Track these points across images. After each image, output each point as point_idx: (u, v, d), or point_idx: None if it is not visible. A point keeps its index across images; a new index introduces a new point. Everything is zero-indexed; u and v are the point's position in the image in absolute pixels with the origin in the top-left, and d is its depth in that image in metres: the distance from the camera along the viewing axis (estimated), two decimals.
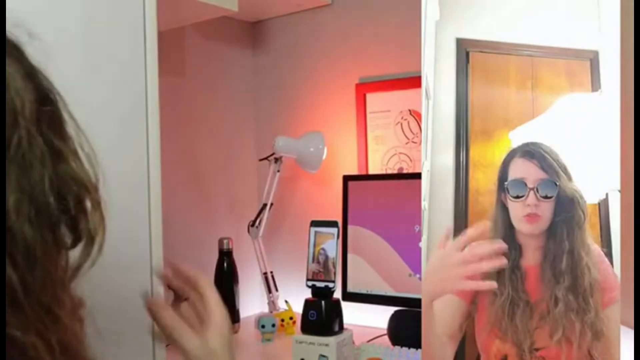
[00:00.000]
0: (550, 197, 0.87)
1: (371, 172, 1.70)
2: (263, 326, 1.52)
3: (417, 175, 1.14)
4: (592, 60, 1.16)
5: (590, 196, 0.99)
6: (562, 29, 1.18)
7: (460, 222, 1.11)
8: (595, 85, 1.15)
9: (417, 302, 1.16)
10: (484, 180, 1.11)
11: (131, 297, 0.97)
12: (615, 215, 1.02)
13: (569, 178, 0.89)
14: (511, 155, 0.92)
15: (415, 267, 1.40)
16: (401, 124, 1.65)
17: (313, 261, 1.24)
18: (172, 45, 1.70)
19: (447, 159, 1.19)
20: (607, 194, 1.03)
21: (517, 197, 0.88)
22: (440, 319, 0.90)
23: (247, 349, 1.50)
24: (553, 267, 0.86)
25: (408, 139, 1.64)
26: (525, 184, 0.88)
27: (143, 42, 0.99)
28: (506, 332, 0.87)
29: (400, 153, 1.66)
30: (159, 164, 1.01)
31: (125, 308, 0.96)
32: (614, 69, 1.01)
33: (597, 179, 1.00)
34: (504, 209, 0.92)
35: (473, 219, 1.04)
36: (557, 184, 0.87)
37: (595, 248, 0.89)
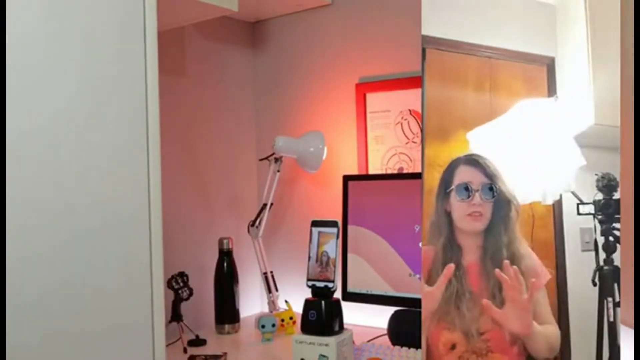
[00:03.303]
0: (491, 199, 0.99)
1: (371, 172, 1.70)
2: (263, 326, 1.52)
3: (417, 175, 1.14)
4: (549, 65, 1.19)
5: (545, 198, 1.07)
6: (520, 33, 1.21)
7: None
8: (552, 90, 1.18)
9: (417, 302, 1.16)
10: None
11: (131, 297, 0.97)
12: (571, 215, 1.06)
13: (503, 183, 1.01)
14: (456, 163, 1.03)
15: (415, 267, 1.40)
16: (401, 124, 1.65)
17: (316, 261, 1.24)
18: (172, 45, 1.70)
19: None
20: (561, 196, 1.10)
21: (463, 198, 0.99)
22: None
23: (247, 349, 1.51)
24: (493, 260, 0.96)
25: (408, 139, 1.64)
26: (471, 187, 1.00)
27: (143, 42, 0.99)
28: (454, 321, 0.97)
29: (400, 153, 1.66)
30: (159, 164, 1.01)
31: (126, 308, 0.96)
32: (570, 75, 1.09)
33: (551, 181, 1.07)
34: (445, 214, 1.02)
35: (425, 218, 1.06)
36: (497, 187, 0.99)
37: (525, 241, 1.01)
